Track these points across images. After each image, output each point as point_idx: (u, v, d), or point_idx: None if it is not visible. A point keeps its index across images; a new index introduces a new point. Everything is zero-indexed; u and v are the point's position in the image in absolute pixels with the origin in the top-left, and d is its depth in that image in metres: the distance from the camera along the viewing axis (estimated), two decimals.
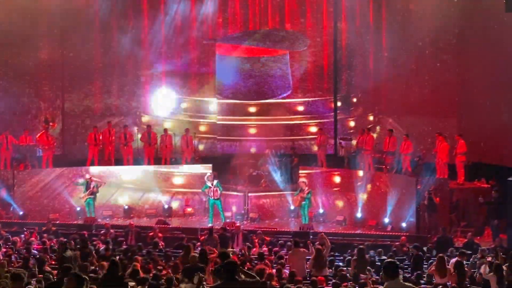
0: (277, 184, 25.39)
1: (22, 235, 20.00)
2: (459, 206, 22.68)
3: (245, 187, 25.15)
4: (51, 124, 25.19)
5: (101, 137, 25.18)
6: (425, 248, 18.33)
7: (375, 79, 27.03)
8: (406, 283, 8.32)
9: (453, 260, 14.95)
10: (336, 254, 18.11)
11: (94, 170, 24.60)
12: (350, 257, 16.34)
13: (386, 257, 16.87)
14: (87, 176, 23.48)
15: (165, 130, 25.98)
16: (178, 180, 25.82)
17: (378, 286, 12.82)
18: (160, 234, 20.60)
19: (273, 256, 16.90)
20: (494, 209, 21.27)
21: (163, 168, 25.78)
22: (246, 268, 13.29)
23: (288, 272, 14.48)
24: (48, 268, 14.48)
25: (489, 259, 15.48)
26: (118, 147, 25.49)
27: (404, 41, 26.16)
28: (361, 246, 15.90)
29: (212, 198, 23.02)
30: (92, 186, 23.24)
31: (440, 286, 13.11)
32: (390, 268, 7.99)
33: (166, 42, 27.60)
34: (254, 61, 27.24)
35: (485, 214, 21.94)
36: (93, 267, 14.24)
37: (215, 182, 23.06)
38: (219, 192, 23.04)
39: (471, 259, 15.93)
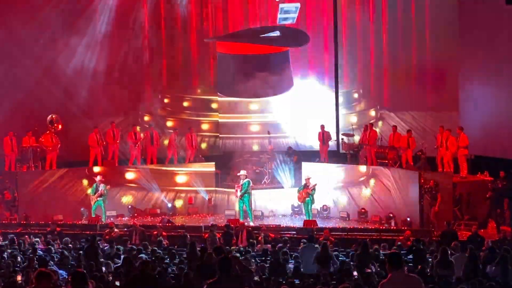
0: (280, 181, 25.45)
1: (26, 236, 20.05)
2: (463, 200, 22.68)
3: None
4: (56, 125, 25.16)
5: (99, 137, 25.20)
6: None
7: (376, 74, 27.06)
8: (411, 274, 8.37)
9: (458, 254, 14.94)
10: (341, 249, 18.13)
11: (97, 170, 24.70)
12: (354, 252, 16.35)
13: (390, 251, 16.88)
14: (98, 178, 23.54)
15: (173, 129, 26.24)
16: (181, 179, 25.84)
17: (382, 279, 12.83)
18: (164, 233, 20.64)
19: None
20: (497, 198, 21.37)
21: (166, 167, 25.83)
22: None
23: (292, 267, 14.51)
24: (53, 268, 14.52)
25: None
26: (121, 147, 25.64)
27: (405, 36, 26.18)
28: (365, 240, 15.91)
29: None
30: (100, 188, 23.32)
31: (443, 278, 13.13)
32: (394, 259, 8.02)
33: (167, 40, 27.66)
34: (255, 58, 27.23)
35: (488, 206, 21.97)
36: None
37: (242, 181, 23.35)
38: (239, 192, 23.33)
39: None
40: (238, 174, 23.87)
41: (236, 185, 23.65)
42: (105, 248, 17.54)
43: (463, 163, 23.02)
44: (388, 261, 8.07)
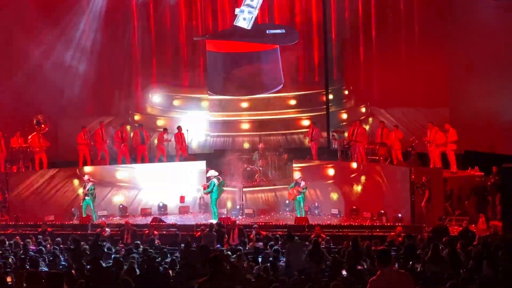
0: (271, 179, 25.44)
1: (18, 237, 19.98)
2: (453, 195, 22.72)
3: (240, 182, 25.15)
4: (42, 126, 25.05)
5: (87, 137, 25.14)
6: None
7: (366, 71, 27.09)
8: (400, 270, 8.37)
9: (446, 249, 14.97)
10: (332, 246, 18.15)
11: (88, 170, 24.63)
12: (345, 249, 16.36)
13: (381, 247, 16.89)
14: (86, 177, 23.51)
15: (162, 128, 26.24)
16: (172, 177, 25.78)
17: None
18: (155, 232, 20.61)
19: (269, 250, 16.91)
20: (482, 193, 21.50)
21: (157, 166, 25.78)
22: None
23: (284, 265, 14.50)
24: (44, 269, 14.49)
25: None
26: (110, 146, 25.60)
27: (394, 32, 26.22)
28: (355, 236, 15.93)
29: None
30: (87, 188, 23.28)
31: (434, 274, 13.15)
32: (383, 255, 8.02)
33: (157, 39, 27.63)
34: (244, 56, 27.21)
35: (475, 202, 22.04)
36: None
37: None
38: (202, 191, 23.58)
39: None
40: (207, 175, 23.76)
41: (204, 184, 23.63)
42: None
43: (453, 159, 23.12)
44: (377, 257, 8.07)
